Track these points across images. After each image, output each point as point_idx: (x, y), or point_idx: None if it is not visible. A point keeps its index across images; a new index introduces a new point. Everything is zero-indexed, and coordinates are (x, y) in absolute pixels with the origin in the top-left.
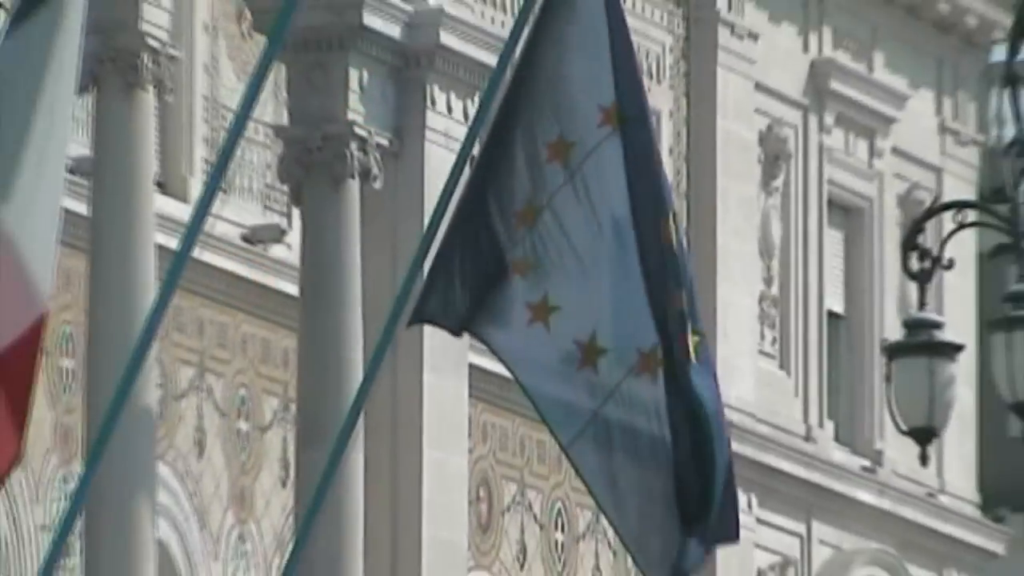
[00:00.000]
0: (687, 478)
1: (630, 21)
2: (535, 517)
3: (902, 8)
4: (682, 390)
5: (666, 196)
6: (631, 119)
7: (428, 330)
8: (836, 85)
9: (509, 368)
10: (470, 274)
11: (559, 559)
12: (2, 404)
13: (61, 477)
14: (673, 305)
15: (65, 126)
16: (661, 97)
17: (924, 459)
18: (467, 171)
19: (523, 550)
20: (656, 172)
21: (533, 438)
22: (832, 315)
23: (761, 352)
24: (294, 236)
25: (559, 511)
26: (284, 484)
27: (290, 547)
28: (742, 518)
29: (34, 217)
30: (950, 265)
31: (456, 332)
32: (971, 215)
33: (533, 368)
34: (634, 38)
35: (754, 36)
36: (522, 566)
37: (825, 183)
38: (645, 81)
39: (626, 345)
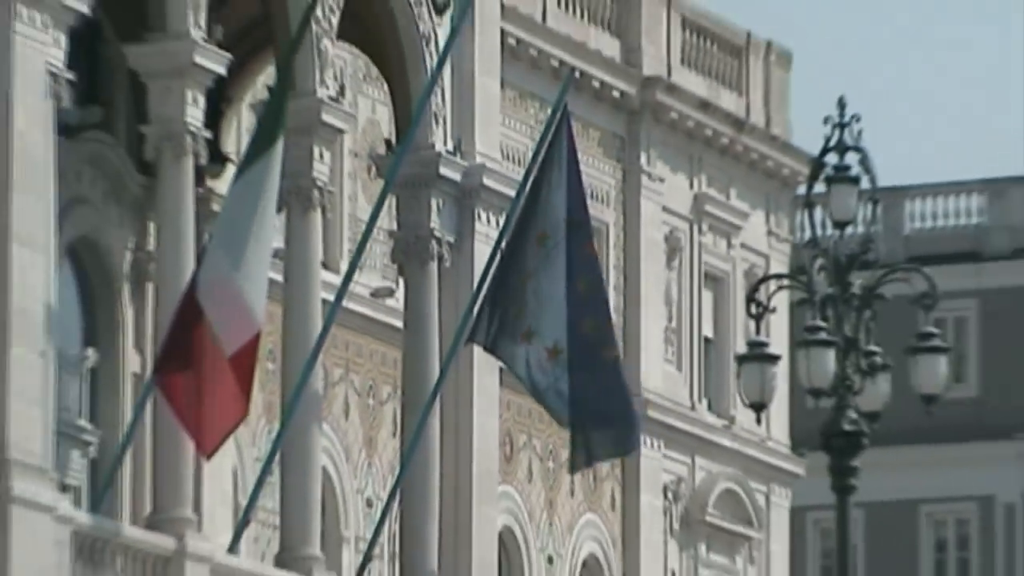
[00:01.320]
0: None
1: (589, 171)
2: (537, 454)
3: (746, 164)
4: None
5: (592, 264)
6: (575, 222)
7: (476, 348)
8: (708, 207)
9: (509, 367)
10: (498, 317)
11: (551, 478)
12: (237, 384)
13: (268, 430)
14: (582, 328)
15: (272, 229)
16: (608, 214)
17: (759, 420)
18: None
19: (530, 473)
20: (588, 250)
21: (536, 409)
22: (706, 339)
23: (665, 360)
24: (400, 293)
25: (551, 450)
26: (394, 435)
27: (396, 471)
28: (655, 454)
29: (254, 280)
30: (773, 310)
31: (488, 350)
32: (785, 282)
33: (525, 364)
34: (591, 180)
35: (661, 179)
36: (529, 482)
37: (702, 264)
38: (599, 205)
39: (566, 347)
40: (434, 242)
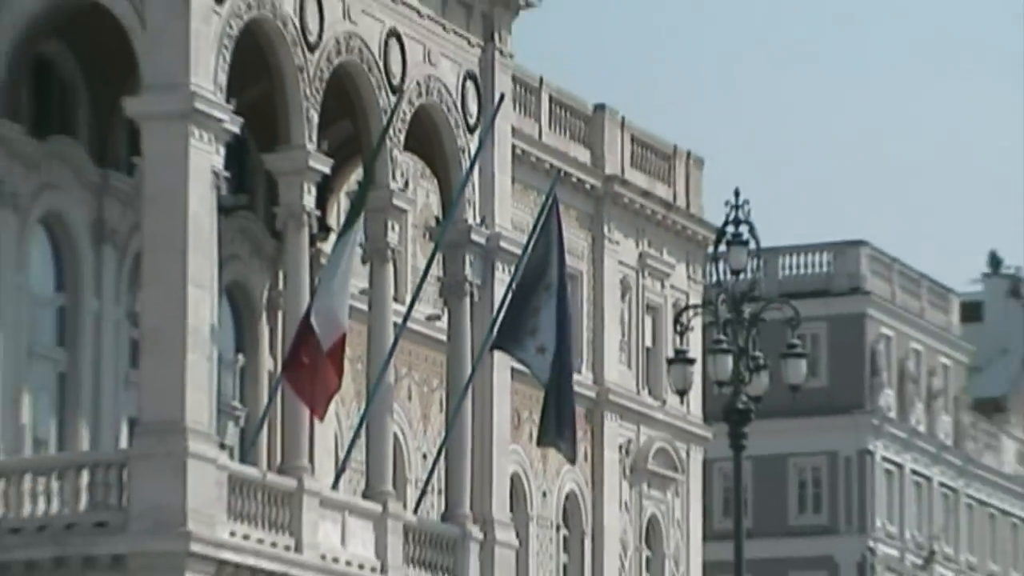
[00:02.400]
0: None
1: (570, 237)
2: (535, 423)
3: (673, 232)
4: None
5: (566, 308)
6: (560, 276)
7: (496, 354)
8: (649, 261)
9: (528, 367)
10: (512, 332)
11: None
12: (333, 368)
13: (357, 408)
14: (565, 342)
15: (355, 275)
16: (583, 266)
17: (682, 401)
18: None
19: (530, 437)
20: (564, 296)
21: (535, 394)
22: (647, 348)
23: (620, 362)
24: (444, 318)
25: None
26: (441, 411)
27: (442, 435)
28: (614, 424)
29: (343, 304)
30: (692, 329)
31: (509, 353)
32: (699, 311)
33: (538, 367)
34: (571, 243)
35: (617, 242)
36: (530, 442)
37: (644, 299)
38: (577, 260)
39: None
40: (468, 284)
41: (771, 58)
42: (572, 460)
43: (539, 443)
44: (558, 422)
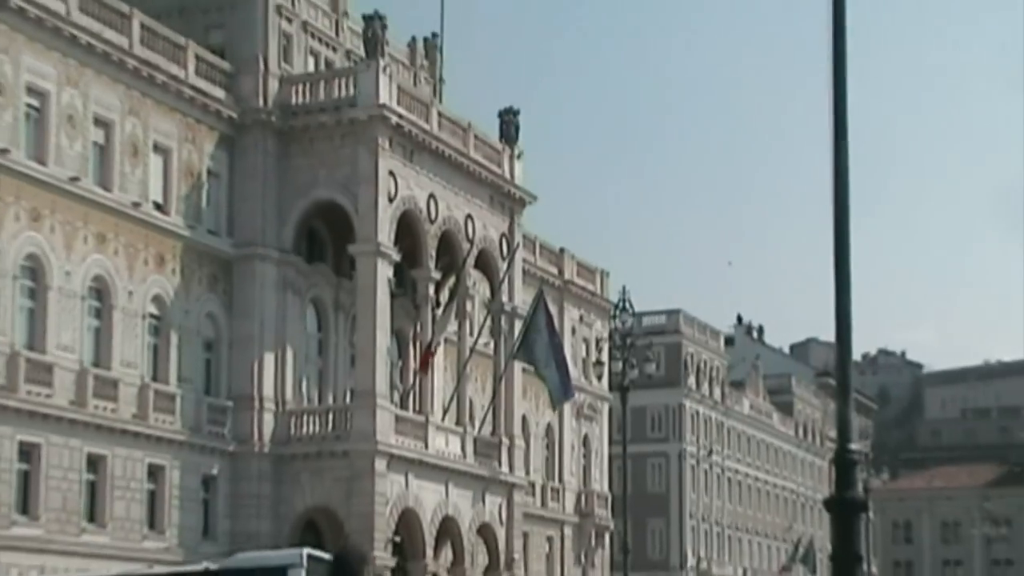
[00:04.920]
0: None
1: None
2: (534, 393)
3: (596, 306)
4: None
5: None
6: (553, 332)
7: (518, 364)
8: (583, 319)
9: (544, 379)
10: (532, 360)
11: (537, 399)
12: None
13: (453, 385)
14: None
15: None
16: (555, 314)
17: (599, 381)
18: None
19: (531, 398)
20: (556, 340)
21: (535, 381)
22: (583, 359)
23: (572, 365)
24: (492, 344)
25: (537, 392)
26: (490, 385)
27: (491, 397)
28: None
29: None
30: (602, 349)
31: (534, 368)
32: (607, 343)
33: (551, 379)
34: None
35: (568, 310)
36: (530, 400)
37: (581, 335)
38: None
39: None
40: (502, 329)
41: (647, 215)
42: (555, 408)
43: (554, 405)
44: (565, 394)
